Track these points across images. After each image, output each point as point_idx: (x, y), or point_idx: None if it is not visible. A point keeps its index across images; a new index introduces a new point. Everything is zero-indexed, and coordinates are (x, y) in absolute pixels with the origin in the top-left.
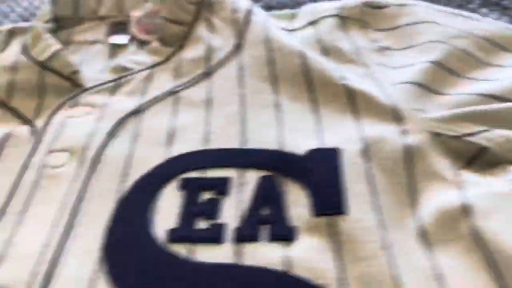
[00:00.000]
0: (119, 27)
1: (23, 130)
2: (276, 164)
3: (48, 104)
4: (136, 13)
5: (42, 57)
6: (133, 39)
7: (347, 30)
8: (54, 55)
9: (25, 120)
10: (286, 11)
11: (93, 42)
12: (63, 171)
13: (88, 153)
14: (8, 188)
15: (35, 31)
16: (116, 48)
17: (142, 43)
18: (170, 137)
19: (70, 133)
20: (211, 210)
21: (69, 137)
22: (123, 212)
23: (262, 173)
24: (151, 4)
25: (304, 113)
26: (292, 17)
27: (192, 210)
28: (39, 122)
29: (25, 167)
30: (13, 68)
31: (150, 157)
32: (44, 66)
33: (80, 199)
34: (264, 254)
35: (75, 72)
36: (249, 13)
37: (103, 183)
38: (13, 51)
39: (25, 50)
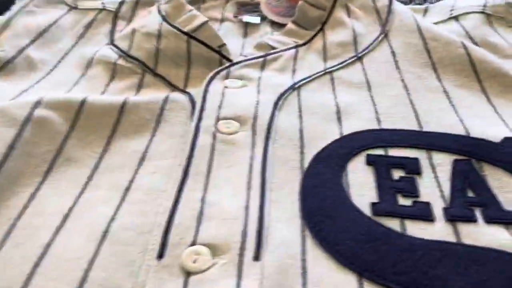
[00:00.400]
0: (247, 7)
1: (179, 96)
2: (469, 149)
3: (195, 74)
4: None
5: (189, 27)
6: (263, 19)
7: (493, 27)
8: (202, 26)
9: (175, 87)
10: (417, 6)
11: (223, 20)
12: (239, 138)
13: (259, 122)
14: (183, 150)
15: (176, 2)
16: (248, 27)
17: (273, 24)
18: (338, 114)
19: (235, 103)
20: (410, 187)
21: (235, 106)
22: (314, 182)
23: (453, 156)
24: None
25: (477, 101)
26: (425, 11)
27: (390, 185)
28: (192, 90)
29: (196, 131)
30: (158, 36)
31: (323, 131)
32: (190, 36)
33: (264, 165)
34: (490, 235)
35: (223, 45)
36: (391, 2)
37: (283, 152)
38: (152, 20)
39: (166, 20)
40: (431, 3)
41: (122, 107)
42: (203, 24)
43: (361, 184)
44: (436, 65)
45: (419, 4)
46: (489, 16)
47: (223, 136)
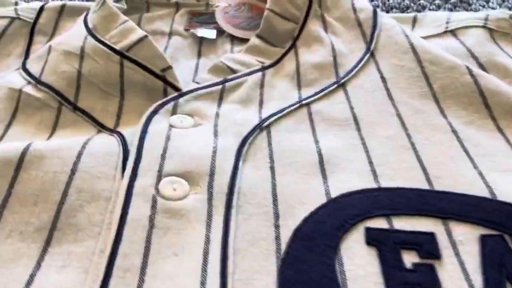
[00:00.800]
0: (200, 18)
1: (106, 140)
2: (498, 219)
3: (131, 107)
4: (219, 2)
5: (122, 44)
6: (220, 33)
7: (498, 44)
8: (140, 42)
9: (102, 126)
10: (404, 15)
11: (171, 34)
12: (189, 206)
13: (218, 181)
14: (108, 227)
15: (106, 10)
16: (203, 44)
17: (234, 39)
18: (322, 164)
19: (184, 151)
20: (429, 281)
21: (185, 156)
22: (295, 277)
23: (479, 230)
24: None
25: (495, 145)
26: (414, 22)
27: (402, 279)
28: (126, 131)
29: (128, 196)
30: (80, 55)
31: (304, 191)
32: (124, 56)
33: (225, 251)
34: None
35: (168, 68)
36: (375, 14)
37: (251, 227)
38: (75, 34)
39: (92, 33)
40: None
41: (21, 161)
42: (142, 39)
43: (361, 278)
44: (437, 95)
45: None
46: (492, 32)
47: (166, 203)
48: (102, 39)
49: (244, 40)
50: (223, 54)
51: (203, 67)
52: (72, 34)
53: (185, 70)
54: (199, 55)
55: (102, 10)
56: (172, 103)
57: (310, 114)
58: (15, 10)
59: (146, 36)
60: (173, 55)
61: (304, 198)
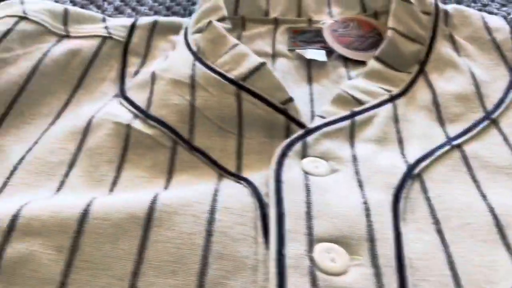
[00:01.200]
0: (304, 36)
1: (236, 190)
2: None
3: (252, 147)
4: (324, 19)
5: (237, 72)
6: (327, 53)
7: None
8: (257, 71)
9: (224, 171)
10: None
11: (275, 55)
12: (356, 284)
13: (382, 250)
14: None
15: (214, 31)
16: (312, 67)
17: (345, 60)
18: (499, 228)
19: (330, 209)
20: None
21: (333, 216)
22: None
23: None
24: (339, 8)
25: None
26: None
27: None
28: (254, 177)
29: (281, 269)
30: (191, 85)
31: (488, 267)
32: (241, 87)
33: None
34: None
35: (288, 100)
36: None
37: None
38: (180, 58)
39: (200, 58)
40: None
41: (149, 218)
42: (259, 68)
43: None
44: None
45: None
46: None
47: (329, 280)
48: (213, 66)
49: (357, 62)
50: (337, 79)
51: (318, 95)
52: (177, 59)
53: (299, 100)
54: (310, 80)
55: (209, 33)
56: (300, 143)
57: (465, 158)
58: (106, 28)
59: (263, 64)
60: (282, 81)
61: (491, 276)
